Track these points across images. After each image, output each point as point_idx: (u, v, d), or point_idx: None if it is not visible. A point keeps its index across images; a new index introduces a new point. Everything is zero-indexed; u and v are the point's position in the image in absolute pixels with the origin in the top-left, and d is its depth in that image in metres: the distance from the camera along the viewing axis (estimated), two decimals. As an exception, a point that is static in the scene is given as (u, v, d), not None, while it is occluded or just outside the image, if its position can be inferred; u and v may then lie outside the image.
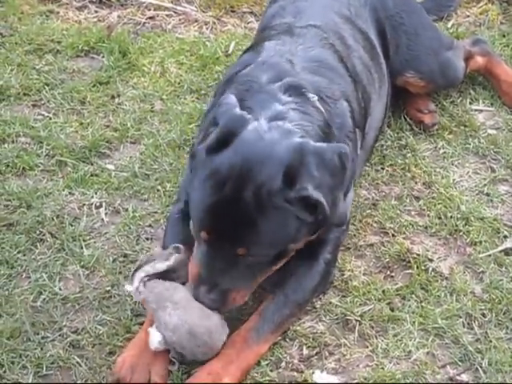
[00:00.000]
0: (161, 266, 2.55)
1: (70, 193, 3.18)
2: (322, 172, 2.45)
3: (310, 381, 2.53)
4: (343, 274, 2.88)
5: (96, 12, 4.29)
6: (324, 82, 2.81)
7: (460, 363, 2.62)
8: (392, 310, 2.77)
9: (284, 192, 2.41)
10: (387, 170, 3.33)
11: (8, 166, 3.27)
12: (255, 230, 2.42)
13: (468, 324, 2.74)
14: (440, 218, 3.12)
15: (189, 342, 2.44)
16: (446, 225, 3.09)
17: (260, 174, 2.40)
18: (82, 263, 2.89)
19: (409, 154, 3.41)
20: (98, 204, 3.14)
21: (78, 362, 2.56)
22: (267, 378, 2.55)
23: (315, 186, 2.42)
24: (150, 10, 4.31)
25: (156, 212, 3.10)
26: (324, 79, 2.82)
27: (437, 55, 3.54)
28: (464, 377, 2.58)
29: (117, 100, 3.67)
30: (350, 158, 2.55)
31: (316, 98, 2.69)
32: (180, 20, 4.27)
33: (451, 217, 3.11)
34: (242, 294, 2.53)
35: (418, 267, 2.91)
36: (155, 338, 2.46)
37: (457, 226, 3.08)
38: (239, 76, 2.84)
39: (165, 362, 2.51)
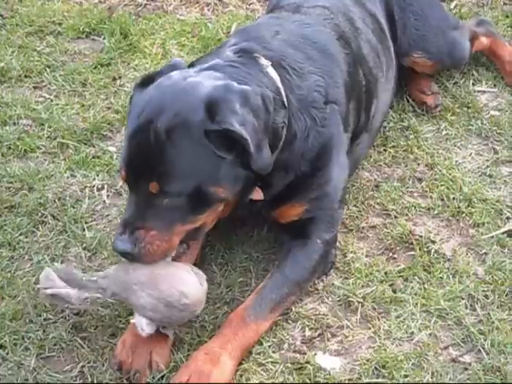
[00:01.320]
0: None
1: (71, 175, 3.18)
2: (245, 110, 2.41)
3: (312, 362, 2.53)
4: (345, 256, 2.88)
5: (97, -7, 4.28)
6: (298, 56, 2.78)
7: (462, 344, 2.62)
8: (394, 291, 2.77)
9: (204, 123, 2.37)
10: (390, 152, 3.32)
11: (10, 148, 3.27)
12: (165, 161, 2.36)
13: (470, 305, 2.74)
14: (443, 200, 3.11)
15: (170, 312, 2.43)
16: (448, 206, 3.09)
17: (177, 104, 2.40)
18: (84, 245, 2.89)
19: (411, 136, 3.40)
20: (99, 186, 3.14)
21: (80, 344, 2.56)
22: (269, 360, 2.55)
23: (239, 123, 2.38)
24: (151, -9, 4.29)
25: (158, 194, 3.09)
26: (300, 54, 2.79)
27: (444, 35, 3.53)
28: (466, 358, 2.58)
29: (118, 82, 3.66)
30: (278, 104, 2.56)
31: (269, 64, 2.64)
32: (181, 1, 4.25)
33: (454, 198, 3.11)
34: (153, 234, 2.39)
35: (420, 249, 2.90)
36: (142, 324, 2.45)
37: (459, 207, 3.07)
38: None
39: (165, 341, 2.51)
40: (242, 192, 2.53)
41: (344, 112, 2.85)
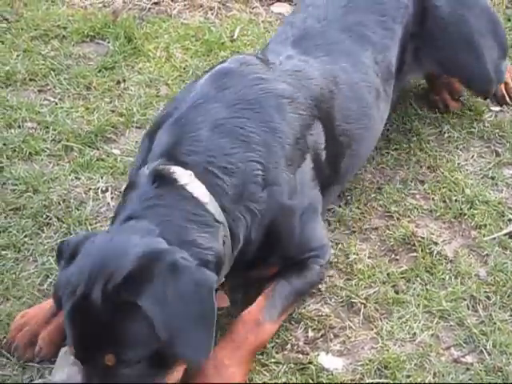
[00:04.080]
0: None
1: (76, 177, 3.19)
2: (171, 293, 2.17)
3: (315, 362, 2.55)
4: (348, 257, 2.89)
5: (101, -3, 4.30)
6: (229, 145, 2.53)
7: (464, 345, 2.64)
8: (397, 292, 2.79)
9: (124, 290, 2.16)
10: (392, 154, 3.34)
11: (15, 150, 3.29)
12: (110, 329, 2.16)
13: (472, 306, 2.75)
14: (445, 202, 3.13)
15: None
16: (450, 208, 3.10)
17: (107, 272, 2.17)
18: (89, 247, 2.90)
19: (414, 138, 3.41)
20: (103, 188, 3.16)
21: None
22: (272, 360, 2.56)
23: (154, 302, 2.15)
24: (155, -5, 4.31)
25: (162, 196, 3.11)
26: (232, 141, 2.54)
27: (489, 68, 3.38)
28: (468, 358, 2.59)
29: (122, 85, 3.67)
30: (214, 285, 2.24)
31: (190, 180, 2.41)
32: (185, 5, 4.27)
33: (456, 200, 3.12)
34: None
35: (422, 250, 2.92)
36: None
37: (461, 209, 3.09)
38: None
39: (57, 330, 2.52)
40: None
41: (289, 185, 2.62)
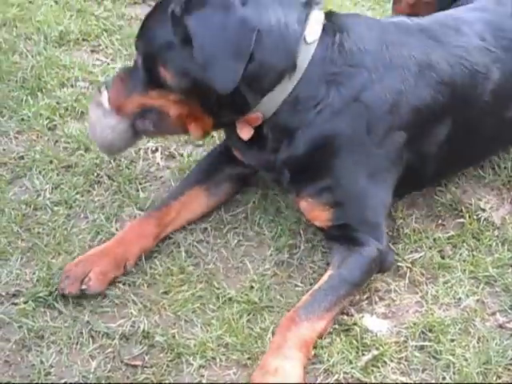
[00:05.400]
0: None
1: (127, 137, 3.22)
2: (221, 18, 2.42)
3: (359, 324, 2.56)
4: (395, 222, 2.90)
5: (154, -41, 4.31)
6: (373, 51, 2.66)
7: (510, 311, 2.64)
8: (443, 257, 2.79)
9: (176, 5, 2.49)
10: (442, 120, 3.32)
11: (67, 109, 3.33)
12: (143, 22, 2.66)
13: (519, 273, 2.75)
14: (493, 169, 3.11)
15: None
16: (499, 175, 3.08)
17: None
18: (138, 205, 2.95)
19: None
20: (153, 148, 3.19)
21: (133, 300, 2.63)
22: (317, 320, 2.59)
23: (201, 20, 2.44)
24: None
25: (210, 157, 3.13)
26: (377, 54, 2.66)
27: None
28: (513, 324, 2.60)
29: (173, 46, 3.69)
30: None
31: (320, 17, 2.65)
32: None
33: (505, 168, 3.11)
34: (119, 87, 2.68)
35: (469, 216, 2.91)
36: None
37: (510, 176, 3.07)
38: None
39: (110, 265, 2.64)
40: (204, 102, 2.57)
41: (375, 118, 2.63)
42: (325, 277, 2.59)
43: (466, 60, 2.74)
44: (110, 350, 2.49)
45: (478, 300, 2.67)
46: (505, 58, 2.81)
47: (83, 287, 2.59)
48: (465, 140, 2.82)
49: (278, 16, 2.53)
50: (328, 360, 2.46)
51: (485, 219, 2.91)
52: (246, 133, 2.66)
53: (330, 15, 2.71)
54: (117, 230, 2.84)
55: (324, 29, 2.63)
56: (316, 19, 2.63)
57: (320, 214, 2.66)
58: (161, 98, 2.61)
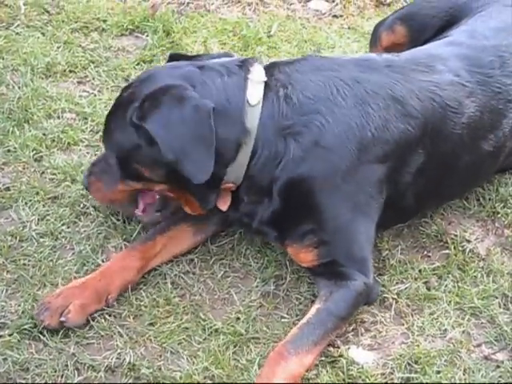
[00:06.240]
0: None
1: (113, 168, 3.23)
2: (174, 114, 2.53)
3: (345, 356, 2.57)
4: (381, 253, 2.91)
5: (141, -8, 4.34)
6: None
7: (495, 342, 2.65)
8: (428, 289, 2.80)
9: (133, 114, 2.60)
10: (427, 152, 3.34)
11: (54, 140, 3.33)
12: (107, 127, 2.79)
13: (504, 304, 2.76)
14: (478, 200, 3.13)
15: None
16: (484, 207, 3.11)
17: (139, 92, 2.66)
18: (124, 236, 2.95)
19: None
20: (140, 179, 3.19)
21: (119, 332, 2.62)
22: (303, 352, 2.58)
23: (161, 124, 2.53)
24: (193, -10, 4.34)
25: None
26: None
27: None
28: (499, 356, 2.61)
29: (160, 78, 3.70)
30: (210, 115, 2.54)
31: (259, 81, 2.69)
32: (223, 0, 4.29)
33: (490, 199, 3.13)
34: (99, 184, 2.85)
35: (455, 248, 2.93)
36: None
37: (495, 207, 3.09)
38: None
39: (90, 299, 2.64)
40: (185, 187, 2.66)
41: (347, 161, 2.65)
42: (312, 310, 2.59)
43: (436, 95, 2.77)
44: (95, 382, 2.48)
45: (463, 331, 2.68)
46: (480, 91, 2.85)
47: (62, 319, 2.58)
48: (441, 172, 2.84)
49: (219, 88, 2.62)
50: (314, 392, 2.46)
51: (470, 250, 2.93)
52: (223, 203, 2.74)
53: (271, 68, 2.74)
54: (103, 261, 2.84)
55: (266, 86, 2.66)
56: (256, 79, 2.67)
57: (306, 256, 2.69)
58: (143, 185, 2.76)
